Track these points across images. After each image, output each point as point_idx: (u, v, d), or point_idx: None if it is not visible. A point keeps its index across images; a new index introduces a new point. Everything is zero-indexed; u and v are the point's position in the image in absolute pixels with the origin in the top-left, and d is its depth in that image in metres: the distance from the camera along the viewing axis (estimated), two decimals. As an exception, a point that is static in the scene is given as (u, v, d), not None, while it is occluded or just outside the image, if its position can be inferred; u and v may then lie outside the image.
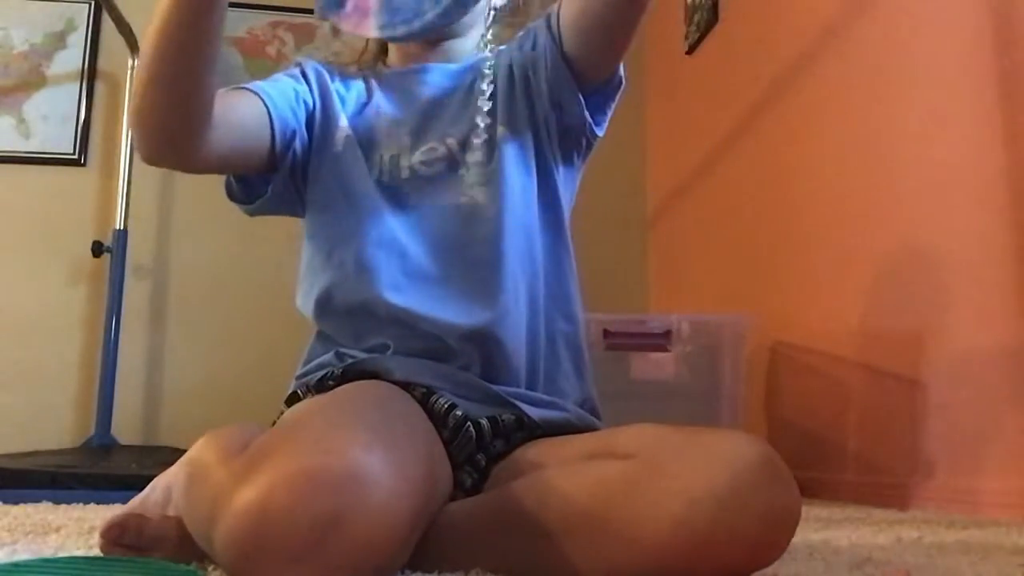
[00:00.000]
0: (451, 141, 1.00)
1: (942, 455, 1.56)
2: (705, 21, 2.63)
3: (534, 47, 1.01)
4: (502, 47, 1.07)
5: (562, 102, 0.99)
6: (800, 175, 2.10)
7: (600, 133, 1.03)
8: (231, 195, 1.04)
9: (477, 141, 0.98)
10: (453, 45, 1.06)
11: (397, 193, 1.00)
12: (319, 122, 1.02)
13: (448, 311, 0.93)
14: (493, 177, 0.98)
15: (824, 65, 1.99)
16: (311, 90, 1.04)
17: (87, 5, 2.94)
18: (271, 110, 0.97)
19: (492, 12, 1.07)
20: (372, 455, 0.62)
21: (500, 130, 1.00)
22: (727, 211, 2.50)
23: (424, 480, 0.68)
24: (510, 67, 1.03)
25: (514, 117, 1.00)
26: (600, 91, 1.01)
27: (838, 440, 1.89)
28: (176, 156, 0.92)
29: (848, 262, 1.87)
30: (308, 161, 1.02)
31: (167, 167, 0.96)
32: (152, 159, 0.92)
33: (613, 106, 1.03)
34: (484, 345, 0.93)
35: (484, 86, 1.01)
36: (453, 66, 1.06)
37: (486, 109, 0.99)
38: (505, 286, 0.94)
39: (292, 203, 1.04)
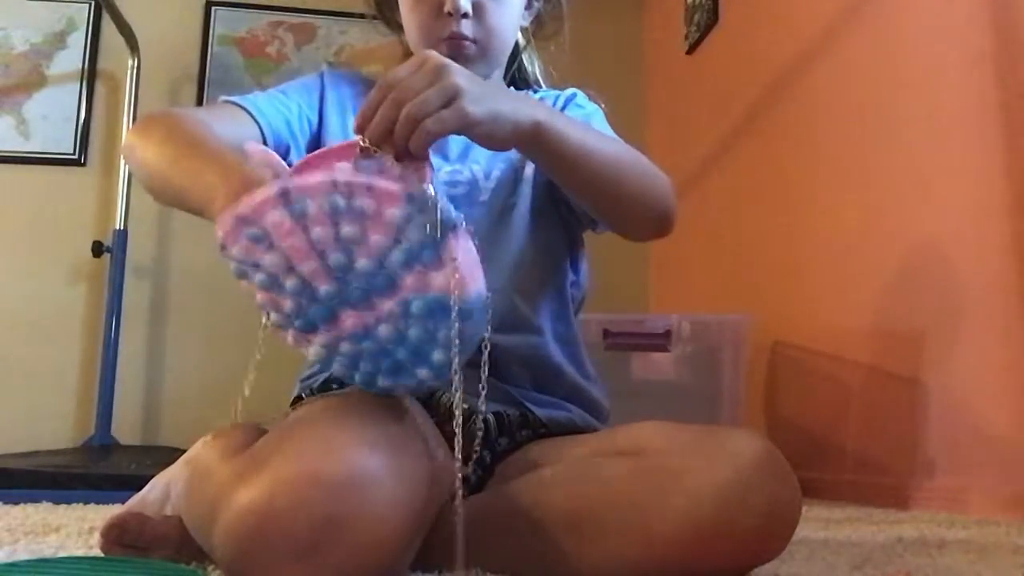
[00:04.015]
0: (477, 168, 1.00)
1: (942, 455, 1.56)
2: (705, 21, 2.63)
3: None
4: (549, 91, 1.09)
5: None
6: (800, 175, 2.10)
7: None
8: None
9: (498, 174, 0.99)
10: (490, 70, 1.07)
11: None
12: (324, 135, 1.01)
13: None
14: (507, 211, 0.99)
15: (824, 65, 1.99)
16: (323, 101, 1.02)
17: (87, 5, 2.94)
18: (263, 127, 0.96)
19: (526, 33, 1.10)
20: (373, 457, 0.62)
21: (528, 170, 1.00)
22: (727, 211, 2.50)
23: (425, 481, 0.68)
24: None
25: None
26: None
27: (838, 440, 1.89)
28: None
29: (848, 262, 1.87)
30: None
31: None
32: None
33: None
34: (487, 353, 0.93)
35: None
36: None
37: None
38: (508, 307, 0.95)
39: None
